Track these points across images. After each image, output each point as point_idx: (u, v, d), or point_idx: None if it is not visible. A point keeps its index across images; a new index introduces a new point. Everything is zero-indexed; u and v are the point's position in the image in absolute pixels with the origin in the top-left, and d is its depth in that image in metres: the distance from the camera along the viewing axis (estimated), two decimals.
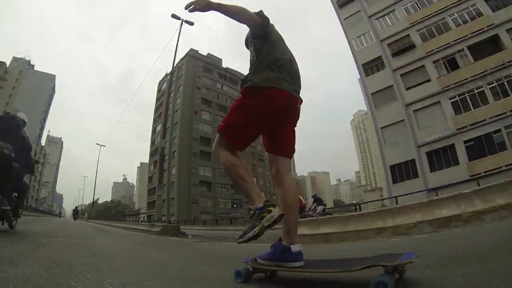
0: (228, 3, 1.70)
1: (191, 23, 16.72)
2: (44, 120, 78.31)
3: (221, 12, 1.69)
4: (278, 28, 1.91)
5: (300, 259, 1.57)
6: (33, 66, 77.40)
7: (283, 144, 1.81)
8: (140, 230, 12.09)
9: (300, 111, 1.86)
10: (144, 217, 61.67)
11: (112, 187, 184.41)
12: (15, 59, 75.00)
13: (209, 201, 49.18)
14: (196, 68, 55.39)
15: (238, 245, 1.67)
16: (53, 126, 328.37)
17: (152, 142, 59.95)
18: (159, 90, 64.96)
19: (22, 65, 74.25)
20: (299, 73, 1.89)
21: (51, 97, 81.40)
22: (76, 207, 35.59)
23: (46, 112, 79.75)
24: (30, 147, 4.34)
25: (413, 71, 22.29)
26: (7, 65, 71.87)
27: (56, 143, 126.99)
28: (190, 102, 51.60)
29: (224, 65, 63.15)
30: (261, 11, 1.80)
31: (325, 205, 12.64)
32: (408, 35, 23.05)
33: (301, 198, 11.33)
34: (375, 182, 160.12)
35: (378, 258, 1.41)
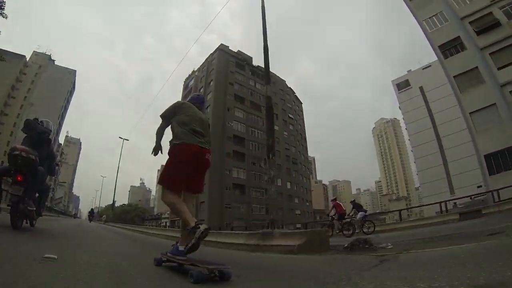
0: (155, 141, 2.95)
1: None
2: (62, 117, 74.98)
3: (158, 143, 2.94)
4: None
5: (183, 254, 2.42)
6: (53, 61, 74.44)
7: (195, 185, 2.79)
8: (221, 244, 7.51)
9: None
10: (166, 222, 57.16)
11: (129, 191, 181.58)
12: (35, 53, 72.40)
13: (242, 206, 44.31)
14: (228, 63, 51.10)
15: None
16: (72, 127, 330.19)
17: None
18: (185, 87, 60.98)
19: (43, 60, 71.53)
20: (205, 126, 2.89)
21: (70, 93, 78.14)
22: (92, 209, 35.58)
23: (65, 108, 76.45)
24: (55, 157, 4.91)
25: (505, 49, 20.27)
26: (27, 59, 69.28)
27: (75, 143, 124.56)
28: (223, 98, 46.94)
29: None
30: (161, 116, 2.89)
31: (365, 211, 11.72)
32: (491, 12, 21.35)
33: (341, 204, 11.47)
34: (397, 191, 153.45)
35: (205, 262, 2.26)
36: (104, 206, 77.67)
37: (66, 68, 75.47)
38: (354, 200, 12.99)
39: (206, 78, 51.01)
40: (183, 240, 2.50)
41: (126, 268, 2.53)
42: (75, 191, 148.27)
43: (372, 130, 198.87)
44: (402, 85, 63.78)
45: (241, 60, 54.02)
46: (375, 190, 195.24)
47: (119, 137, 35.01)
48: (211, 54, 53.53)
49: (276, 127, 53.67)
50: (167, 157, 2.67)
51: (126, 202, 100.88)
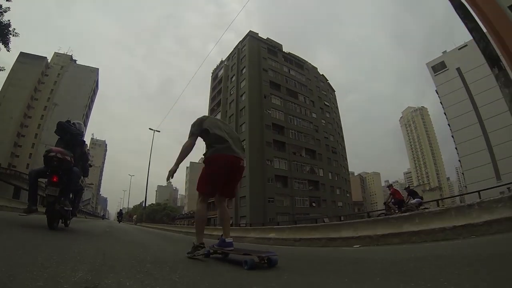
0: (178, 156, 3.03)
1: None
2: (87, 116, 74.67)
3: (178, 164, 3.02)
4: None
5: (231, 245, 2.82)
6: (75, 61, 74.00)
7: (229, 191, 3.08)
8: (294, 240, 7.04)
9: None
10: None
11: (156, 190, 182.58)
12: (56, 55, 72.43)
13: (285, 200, 41.92)
14: (260, 49, 49.60)
15: None
16: (97, 129, 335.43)
17: None
18: (214, 78, 59.69)
19: (64, 60, 71.38)
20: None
21: (94, 92, 77.81)
22: (120, 209, 36.65)
23: (89, 108, 76.20)
24: (87, 159, 5.03)
25: None
26: (49, 61, 68.88)
27: (100, 145, 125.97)
28: (258, 85, 45.34)
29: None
30: (190, 132, 3.06)
31: (421, 198, 10.88)
32: None
33: (398, 190, 11.17)
34: (428, 181, 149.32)
35: (256, 252, 2.59)
36: (132, 207, 77.18)
37: (88, 66, 75.18)
38: (409, 187, 12.23)
39: (238, 65, 49.55)
40: (227, 232, 2.92)
41: (185, 260, 2.68)
42: (103, 192, 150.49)
43: (399, 119, 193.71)
44: (437, 67, 61.06)
45: (272, 47, 52.21)
46: (404, 182, 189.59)
47: (149, 129, 33.45)
48: (240, 41, 52.13)
49: (314, 115, 51.95)
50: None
51: (153, 202, 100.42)
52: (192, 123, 3.10)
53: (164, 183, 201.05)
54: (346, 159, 58.32)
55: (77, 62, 74.29)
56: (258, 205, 37.72)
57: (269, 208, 38.76)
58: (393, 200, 10.59)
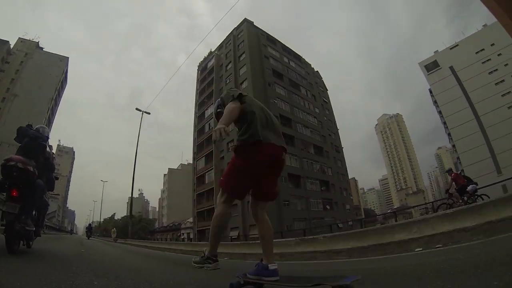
0: (224, 117, 2.06)
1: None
2: (52, 113, 65.32)
3: (228, 124, 2.02)
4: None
5: (276, 274, 2.03)
6: (41, 48, 65.07)
7: (268, 191, 2.24)
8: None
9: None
10: (189, 234, 49.23)
11: (127, 202, 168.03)
12: (21, 40, 63.00)
13: (300, 202, 36.23)
14: (259, 36, 45.91)
15: None
16: (64, 135, 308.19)
17: (200, 132, 48.37)
18: (202, 70, 55.13)
19: (29, 47, 62.25)
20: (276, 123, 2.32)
21: (62, 84, 68.38)
22: (89, 224, 33.18)
23: (56, 103, 66.67)
24: (53, 168, 4.41)
25: None
26: (11, 46, 59.95)
27: (68, 153, 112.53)
28: (260, 72, 41.24)
29: None
30: (230, 96, 2.25)
31: (476, 183, 9.07)
32: None
33: (457, 173, 9.93)
34: (406, 186, 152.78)
35: (327, 279, 1.91)
36: (103, 220, 68.00)
37: (57, 54, 65.90)
38: (461, 172, 10.37)
39: (235, 52, 45.41)
40: (269, 255, 2.15)
41: None
42: (70, 205, 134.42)
43: (375, 126, 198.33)
44: (430, 66, 61.30)
45: (271, 36, 48.80)
46: (380, 188, 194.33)
47: (136, 109, 26.13)
48: (235, 28, 48.21)
49: (316, 110, 48.77)
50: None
51: (125, 214, 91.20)
52: (224, 95, 2.41)
53: (136, 195, 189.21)
54: (345, 161, 55.21)
55: (44, 50, 65.30)
56: (272, 210, 30.49)
57: (285, 212, 32.57)
58: (455, 187, 9.20)
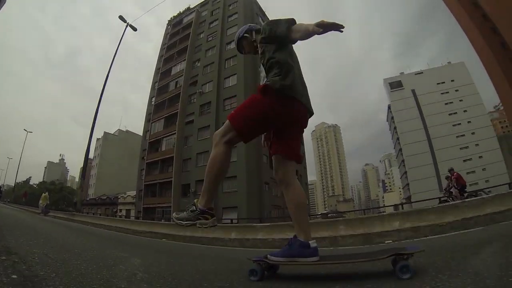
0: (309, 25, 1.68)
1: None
2: None
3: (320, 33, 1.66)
4: None
5: (316, 254, 1.64)
6: None
7: (292, 146, 1.81)
8: None
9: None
10: (129, 211, 40.96)
11: (45, 167, 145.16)
12: None
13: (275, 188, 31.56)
14: (253, 5, 40.93)
15: None
16: None
17: (162, 90, 41.18)
18: (174, 24, 47.88)
19: None
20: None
21: None
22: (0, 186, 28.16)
23: None
24: None
25: None
26: None
27: None
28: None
29: None
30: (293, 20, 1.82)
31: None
32: None
33: (459, 173, 10.18)
34: (333, 193, 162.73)
35: (391, 250, 1.57)
36: (13, 185, 53.40)
37: None
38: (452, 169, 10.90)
39: (224, 11, 39.64)
40: (305, 229, 1.71)
41: None
42: None
43: (311, 133, 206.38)
44: (394, 85, 64.66)
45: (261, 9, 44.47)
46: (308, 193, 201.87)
47: (120, 17, 17.89)
48: None
49: None
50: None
51: (41, 180, 75.20)
52: (266, 23, 1.92)
53: (56, 160, 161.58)
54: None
55: None
56: (254, 192, 26.45)
57: (265, 197, 27.57)
58: (456, 185, 9.66)
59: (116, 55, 18.05)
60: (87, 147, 15.79)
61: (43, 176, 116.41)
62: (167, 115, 37.51)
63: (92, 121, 15.68)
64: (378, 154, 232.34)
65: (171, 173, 32.77)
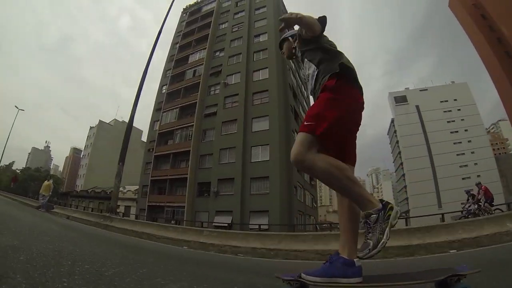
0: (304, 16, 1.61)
1: None
2: None
3: (304, 22, 1.61)
4: None
5: (360, 274, 1.42)
6: None
7: (351, 152, 1.66)
8: None
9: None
10: (129, 208, 36.47)
11: (29, 153, 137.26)
12: None
13: (301, 192, 29.09)
14: (280, 1, 40.07)
15: None
16: None
17: (177, 77, 38.87)
18: (191, 13, 46.93)
19: None
20: None
21: None
22: None
23: None
24: None
25: None
26: None
27: None
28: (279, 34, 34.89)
29: None
30: (324, 17, 1.70)
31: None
32: None
33: (487, 186, 10.49)
34: (321, 204, 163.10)
35: (440, 271, 1.40)
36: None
37: None
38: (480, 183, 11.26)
39: (251, 3, 38.29)
40: (353, 245, 1.51)
41: None
42: None
43: None
44: (399, 99, 65.50)
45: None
46: None
47: None
48: None
49: None
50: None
51: (24, 166, 69.54)
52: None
53: (41, 147, 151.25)
54: None
55: None
56: (285, 195, 24.04)
57: (294, 201, 25.62)
58: (486, 200, 10.01)
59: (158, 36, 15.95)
60: (128, 126, 13.11)
61: (26, 162, 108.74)
62: (182, 105, 34.93)
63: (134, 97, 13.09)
64: (365, 167, 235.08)
65: (184, 169, 29.51)
